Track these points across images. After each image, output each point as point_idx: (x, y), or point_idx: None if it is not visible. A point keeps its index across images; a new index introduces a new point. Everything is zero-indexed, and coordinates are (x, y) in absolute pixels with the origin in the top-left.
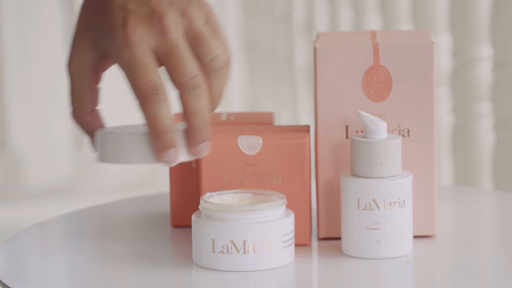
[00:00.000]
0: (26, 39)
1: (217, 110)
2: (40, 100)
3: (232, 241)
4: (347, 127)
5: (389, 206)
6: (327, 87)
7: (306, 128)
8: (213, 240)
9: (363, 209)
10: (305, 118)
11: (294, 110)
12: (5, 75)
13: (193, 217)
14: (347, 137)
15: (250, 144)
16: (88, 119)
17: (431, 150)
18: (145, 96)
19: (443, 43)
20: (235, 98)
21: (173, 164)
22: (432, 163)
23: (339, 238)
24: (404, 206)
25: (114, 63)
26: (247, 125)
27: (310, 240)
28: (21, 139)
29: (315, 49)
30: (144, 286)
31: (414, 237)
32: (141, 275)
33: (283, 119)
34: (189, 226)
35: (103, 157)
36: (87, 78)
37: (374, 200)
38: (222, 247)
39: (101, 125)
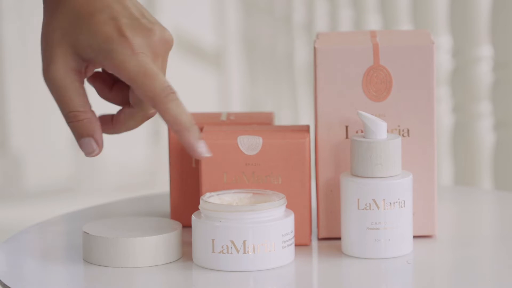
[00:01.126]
0: (26, 39)
1: (217, 110)
2: (40, 100)
3: (232, 241)
4: (347, 127)
5: (389, 206)
6: (327, 87)
7: (306, 128)
8: (213, 240)
9: (363, 209)
10: (305, 118)
11: (294, 110)
12: (5, 75)
13: (193, 217)
14: (347, 137)
15: (250, 144)
16: (88, 119)
17: (431, 150)
18: (163, 97)
19: (443, 43)
20: (235, 98)
21: (206, 155)
22: (432, 163)
23: (339, 238)
24: (404, 206)
25: (97, 69)
26: (247, 125)
27: (310, 240)
28: (21, 139)
29: (315, 49)
30: (144, 286)
31: (414, 237)
32: (141, 275)
33: (283, 119)
34: (189, 226)
35: (86, 257)
36: (75, 83)
37: (374, 200)
38: (222, 247)
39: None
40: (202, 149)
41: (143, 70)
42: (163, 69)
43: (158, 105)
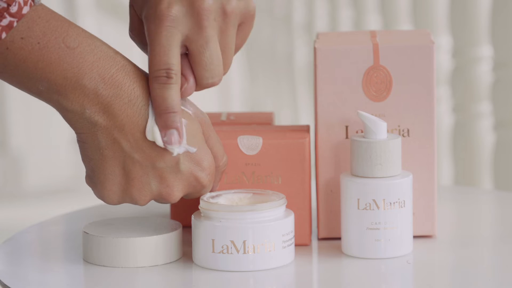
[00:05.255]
0: None
1: (217, 110)
2: (40, 100)
3: (232, 241)
4: (347, 127)
5: (389, 206)
6: (327, 87)
7: (306, 128)
8: (213, 240)
9: (363, 209)
10: (305, 118)
11: (294, 110)
12: None
13: (193, 217)
14: (347, 137)
15: (250, 144)
16: None
17: (431, 150)
18: (156, 76)
19: (443, 43)
20: (235, 98)
21: (175, 150)
22: (432, 163)
23: (339, 238)
24: (404, 206)
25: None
26: (247, 125)
27: (310, 240)
28: (21, 139)
29: (315, 49)
30: (144, 286)
31: (414, 237)
32: (141, 275)
33: (283, 119)
34: (189, 226)
35: (86, 257)
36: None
37: (374, 200)
38: (222, 247)
39: None
40: (168, 138)
41: (155, 39)
42: (231, 37)
43: (150, 80)
